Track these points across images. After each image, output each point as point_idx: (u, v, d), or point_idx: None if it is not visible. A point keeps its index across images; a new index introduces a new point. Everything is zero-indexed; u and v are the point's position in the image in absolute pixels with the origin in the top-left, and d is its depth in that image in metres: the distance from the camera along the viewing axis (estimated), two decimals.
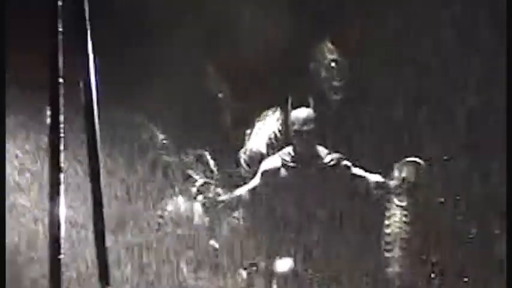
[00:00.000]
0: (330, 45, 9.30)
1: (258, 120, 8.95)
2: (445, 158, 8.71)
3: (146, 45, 8.75)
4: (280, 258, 8.33)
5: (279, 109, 8.83)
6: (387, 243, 8.60)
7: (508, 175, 7.70)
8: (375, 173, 8.48)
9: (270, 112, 8.93)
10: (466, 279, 8.35)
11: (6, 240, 5.99)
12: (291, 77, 9.17)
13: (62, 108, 3.06)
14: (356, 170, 8.38)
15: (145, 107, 8.78)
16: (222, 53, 9.15)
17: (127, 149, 8.23)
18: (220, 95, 9.17)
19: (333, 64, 9.19)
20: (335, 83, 9.16)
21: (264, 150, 8.87)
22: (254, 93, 9.08)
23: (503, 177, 8.42)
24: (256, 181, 8.44)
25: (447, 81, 9.30)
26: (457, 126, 9.34)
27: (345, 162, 8.34)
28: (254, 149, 9.05)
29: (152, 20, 8.81)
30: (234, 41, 9.02)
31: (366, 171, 8.44)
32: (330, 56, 9.24)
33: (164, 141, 9.03)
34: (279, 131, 8.84)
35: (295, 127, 8.32)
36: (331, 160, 8.36)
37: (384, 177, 8.40)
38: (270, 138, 8.94)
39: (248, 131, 8.99)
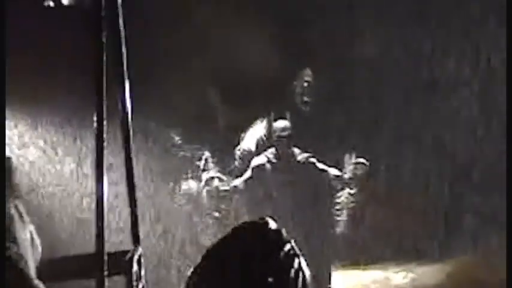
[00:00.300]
0: (307, 70, 10.02)
1: (250, 127, 9.75)
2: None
3: (167, 72, 9.30)
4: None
5: (265, 119, 9.66)
6: (337, 210, 9.54)
7: (507, 174, 6.88)
8: (334, 167, 9.18)
9: (258, 121, 9.75)
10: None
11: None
12: (273, 95, 9.81)
13: (105, 118, 3.33)
14: (320, 165, 9.12)
15: (165, 116, 9.43)
16: (221, 79, 9.79)
17: (152, 146, 8.75)
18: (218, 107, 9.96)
19: (305, 84, 9.88)
20: (305, 98, 9.88)
21: (253, 149, 9.77)
22: (246, 108, 9.83)
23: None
24: (248, 174, 9.23)
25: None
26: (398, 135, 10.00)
27: (312, 160, 9.09)
28: (246, 148, 9.97)
29: (172, 54, 9.32)
30: (230, 69, 9.68)
31: (328, 166, 9.15)
32: (306, 78, 9.90)
33: (179, 142, 9.78)
34: (265, 135, 9.66)
35: (277, 134, 9.07)
36: (303, 158, 9.11)
37: (339, 170, 9.12)
38: (257, 140, 9.82)
39: (242, 135, 9.80)
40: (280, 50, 9.88)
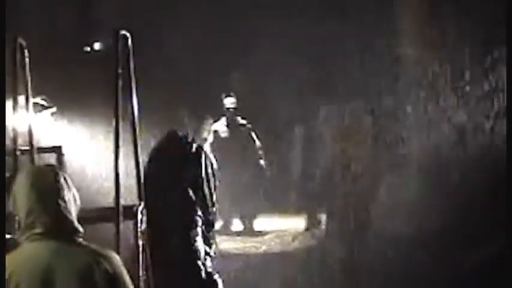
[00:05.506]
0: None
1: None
2: None
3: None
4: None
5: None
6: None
7: (508, 171, 5.41)
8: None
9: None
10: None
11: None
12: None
13: (120, 120, 3.34)
14: (249, 125, 9.22)
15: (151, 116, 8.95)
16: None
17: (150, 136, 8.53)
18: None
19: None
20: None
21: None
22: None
23: None
24: (211, 134, 9.26)
25: None
26: None
27: (244, 122, 9.21)
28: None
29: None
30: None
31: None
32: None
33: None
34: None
35: (226, 106, 9.14)
36: (241, 123, 9.19)
37: None
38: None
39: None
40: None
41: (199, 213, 4.87)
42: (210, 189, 5.05)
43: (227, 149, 8.83)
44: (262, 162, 9.37)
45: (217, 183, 5.09)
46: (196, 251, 4.77)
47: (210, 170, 5.11)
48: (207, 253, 4.93)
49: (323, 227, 8.21)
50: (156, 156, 4.85)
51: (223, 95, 9.26)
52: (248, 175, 9.11)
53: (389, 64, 8.26)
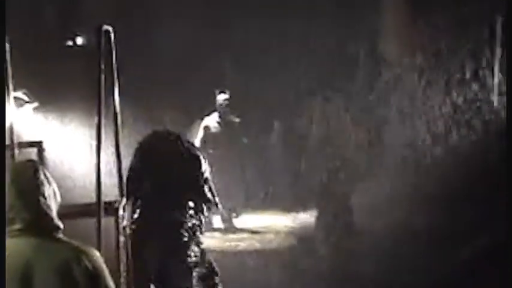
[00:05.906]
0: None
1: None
2: None
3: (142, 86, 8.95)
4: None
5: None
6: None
7: (507, 173, 5.17)
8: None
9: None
10: None
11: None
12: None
13: (102, 116, 3.28)
14: (238, 120, 9.17)
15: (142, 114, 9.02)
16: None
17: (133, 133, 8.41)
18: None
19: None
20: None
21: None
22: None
23: None
24: (202, 130, 9.18)
25: None
26: None
27: (237, 119, 9.16)
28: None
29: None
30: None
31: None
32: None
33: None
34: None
35: (219, 102, 9.08)
36: (234, 119, 9.14)
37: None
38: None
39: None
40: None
41: (188, 212, 4.82)
42: (200, 187, 4.97)
43: (216, 145, 8.80)
44: (246, 160, 9.31)
45: (210, 178, 5.00)
46: (178, 249, 4.74)
47: (199, 168, 5.02)
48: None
49: (304, 223, 8.18)
50: (142, 153, 4.78)
51: (217, 91, 9.21)
52: (233, 172, 9.02)
53: (375, 65, 8.31)
